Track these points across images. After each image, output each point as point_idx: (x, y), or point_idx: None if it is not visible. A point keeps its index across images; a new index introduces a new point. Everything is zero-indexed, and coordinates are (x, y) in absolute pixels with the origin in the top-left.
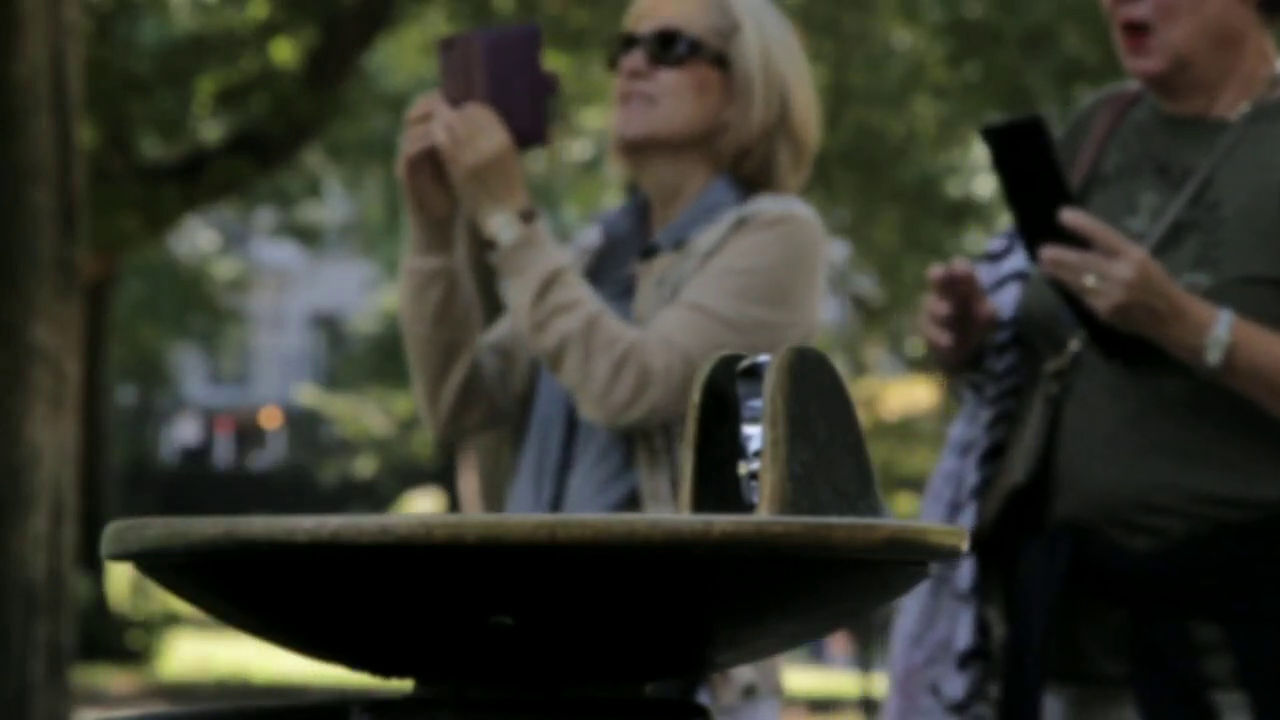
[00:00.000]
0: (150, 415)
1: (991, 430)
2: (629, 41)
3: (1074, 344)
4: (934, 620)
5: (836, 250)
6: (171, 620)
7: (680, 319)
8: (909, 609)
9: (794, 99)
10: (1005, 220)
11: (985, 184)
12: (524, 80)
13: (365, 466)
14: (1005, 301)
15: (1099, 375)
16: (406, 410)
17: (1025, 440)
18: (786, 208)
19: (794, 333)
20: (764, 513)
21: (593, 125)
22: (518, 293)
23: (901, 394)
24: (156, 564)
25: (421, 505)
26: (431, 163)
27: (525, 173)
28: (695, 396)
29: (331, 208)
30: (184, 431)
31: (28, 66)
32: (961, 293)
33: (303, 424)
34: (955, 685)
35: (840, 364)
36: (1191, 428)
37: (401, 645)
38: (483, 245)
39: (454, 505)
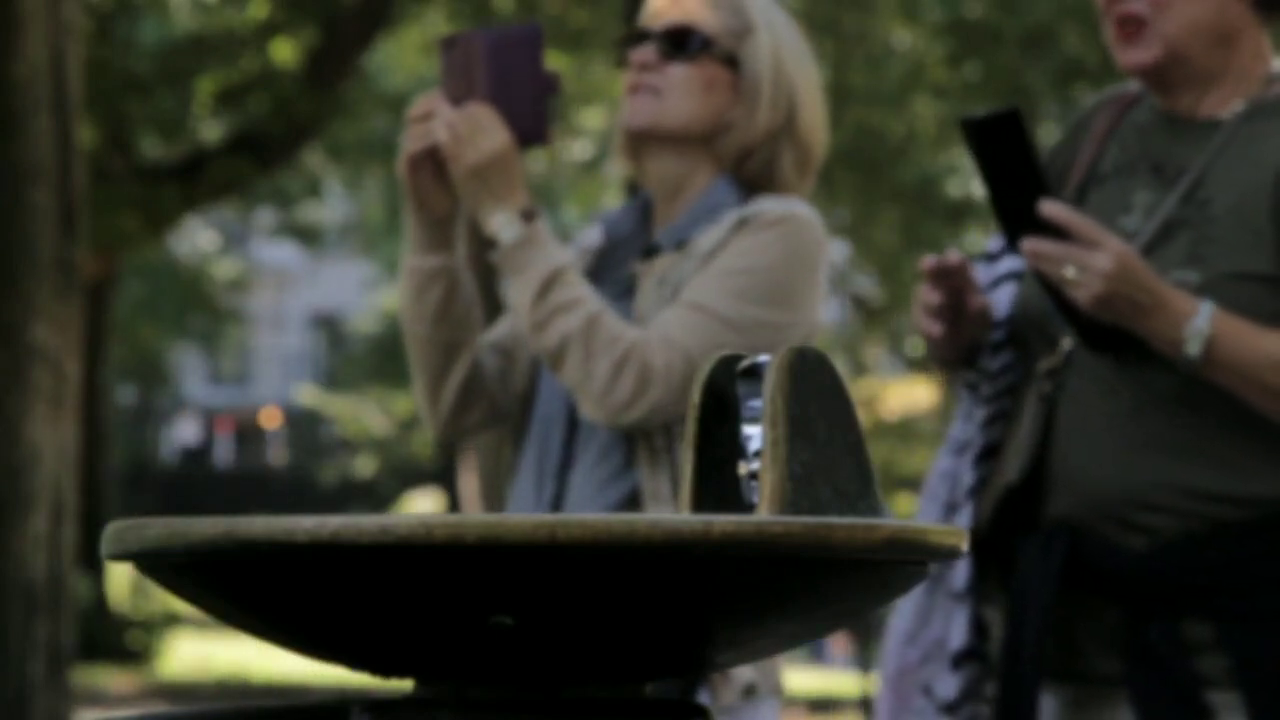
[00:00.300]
0: (150, 415)
1: (987, 429)
2: (641, 36)
3: (1066, 342)
4: (928, 619)
5: (836, 250)
6: (171, 620)
7: (681, 319)
8: (903, 608)
9: (802, 105)
10: None
11: None
12: (526, 79)
13: (365, 466)
14: (1001, 301)
15: (1092, 373)
16: (406, 410)
17: (1019, 439)
18: (788, 208)
19: (795, 333)
20: (764, 513)
21: (593, 125)
22: (518, 292)
23: (901, 394)
24: (156, 564)
25: (421, 505)
26: (432, 161)
27: (525, 172)
28: (695, 396)
29: (331, 208)
30: (184, 431)
31: (28, 66)
32: (954, 284)
33: (303, 424)
34: (948, 685)
35: (840, 364)
36: (1184, 424)
37: (401, 645)
38: (483, 244)
39: (454, 505)
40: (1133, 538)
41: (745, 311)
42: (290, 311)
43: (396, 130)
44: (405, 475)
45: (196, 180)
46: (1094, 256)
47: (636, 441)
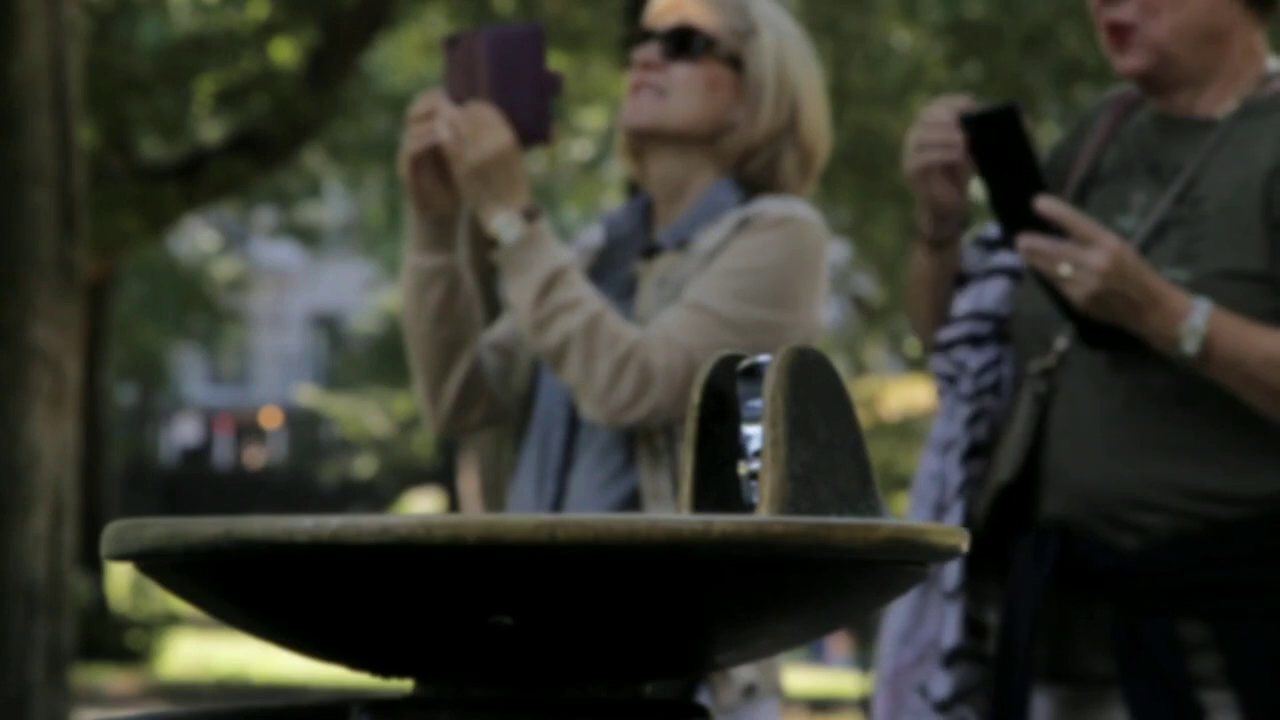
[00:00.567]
0: (150, 415)
1: (971, 428)
2: (645, 36)
3: (1060, 342)
4: (923, 618)
5: (836, 250)
6: (171, 620)
7: (682, 319)
8: (898, 607)
9: (804, 107)
10: None
11: None
12: (528, 79)
13: (365, 466)
14: (990, 293)
15: (1085, 372)
16: (406, 410)
17: (1012, 438)
18: (789, 209)
19: (796, 333)
20: (764, 513)
21: (593, 125)
22: (520, 291)
23: (901, 394)
24: (156, 564)
25: (421, 505)
26: (434, 160)
27: (527, 172)
28: (695, 396)
29: (331, 208)
30: (184, 431)
31: (27, 66)
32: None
33: (303, 424)
34: (940, 684)
35: (840, 364)
36: (1178, 422)
37: (401, 645)
38: (485, 243)
39: (454, 505)
40: (1126, 537)
41: (746, 312)
42: (290, 311)
43: (396, 130)
44: (405, 475)
45: (196, 180)
46: (1089, 253)
47: (637, 441)
